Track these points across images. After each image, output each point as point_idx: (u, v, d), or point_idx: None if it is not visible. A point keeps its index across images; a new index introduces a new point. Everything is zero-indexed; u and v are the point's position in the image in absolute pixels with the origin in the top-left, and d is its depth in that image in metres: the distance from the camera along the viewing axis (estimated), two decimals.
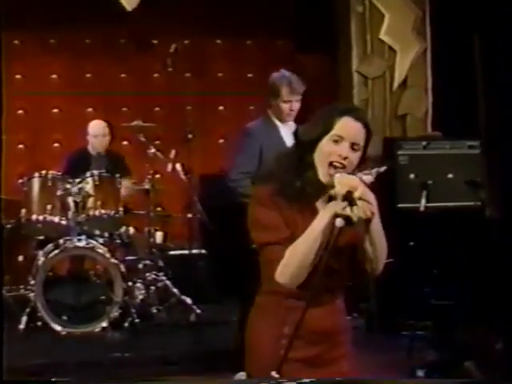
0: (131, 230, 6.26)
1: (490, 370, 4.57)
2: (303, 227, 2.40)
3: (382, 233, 2.45)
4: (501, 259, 5.25)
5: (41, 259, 5.53)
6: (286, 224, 2.43)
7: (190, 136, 6.13)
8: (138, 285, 5.87)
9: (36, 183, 5.69)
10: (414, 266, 5.43)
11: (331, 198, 2.42)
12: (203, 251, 6.67)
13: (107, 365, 4.97)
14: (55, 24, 7.22)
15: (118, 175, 5.84)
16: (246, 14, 7.33)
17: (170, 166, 6.06)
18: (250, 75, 7.89)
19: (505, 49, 5.93)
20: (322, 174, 2.43)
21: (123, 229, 6.07)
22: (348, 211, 2.30)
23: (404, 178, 5.94)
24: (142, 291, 5.84)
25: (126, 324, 5.54)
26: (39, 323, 5.41)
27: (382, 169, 5.19)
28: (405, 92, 6.84)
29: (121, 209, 5.78)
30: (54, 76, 7.61)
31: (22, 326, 5.38)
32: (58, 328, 5.39)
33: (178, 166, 6.06)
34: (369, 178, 5.31)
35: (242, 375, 2.53)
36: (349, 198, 2.30)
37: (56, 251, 5.53)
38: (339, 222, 2.31)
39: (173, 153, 6.08)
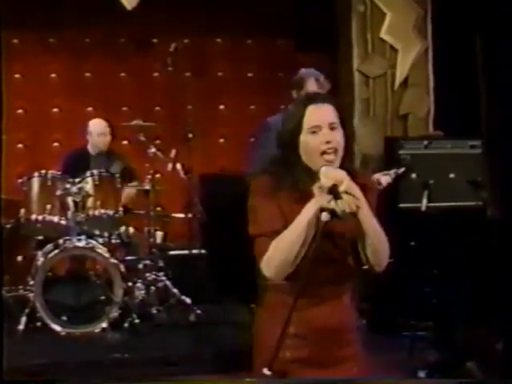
0: (131, 229, 6.24)
1: (492, 370, 4.55)
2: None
3: (376, 227, 2.41)
4: (502, 259, 5.23)
5: (40, 259, 5.51)
6: (283, 216, 2.40)
7: (190, 135, 6.13)
8: (138, 285, 5.85)
9: (35, 183, 5.67)
10: (415, 266, 5.41)
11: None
12: (203, 251, 6.65)
13: (107, 365, 4.95)
14: (55, 23, 7.22)
15: (117, 175, 5.83)
16: (246, 12, 7.32)
17: (170, 166, 6.04)
18: (250, 74, 7.88)
19: (506, 48, 5.91)
20: (317, 166, 2.40)
21: (123, 229, 6.05)
22: (333, 205, 2.28)
23: (405, 178, 5.92)
24: (142, 291, 5.82)
25: (126, 324, 5.52)
26: (39, 324, 5.38)
27: (401, 170, 5.20)
28: (406, 91, 6.82)
29: (121, 209, 5.77)
30: (54, 75, 7.60)
31: (21, 327, 5.35)
32: (57, 328, 5.37)
33: (178, 166, 6.04)
34: (387, 178, 5.30)
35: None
36: (334, 191, 2.28)
37: (55, 251, 5.51)
38: (324, 215, 2.28)
39: (173, 152, 6.06)
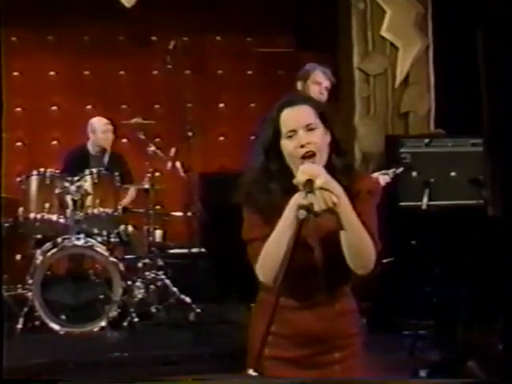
0: (130, 228, 6.22)
1: (493, 369, 4.54)
2: None
3: (356, 225, 2.31)
4: (503, 258, 5.21)
5: (39, 258, 5.50)
6: (267, 222, 2.37)
7: (189, 134, 6.11)
8: (138, 284, 5.83)
9: (34, 181, 5.65)
10: (416, 265, 5.40)
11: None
12: (203, 250, 6.63)
13: (106, 364, 4.93)
14: (53, 21, 7.20)
15: (117, 174, 5.80)
16: (245, 10, 7.31)
17: (169, 164, 6.02)
18: (249, 72, 7.86)
19: (508, 45, 5.88)
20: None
21: (122, 227, 6.03)
22: (309, 201, 2.23)
23: (406, 176, 5.90)
24: (142, 290, 5.80)
25: (125, 323, 5.50)
26: (37, 323, 5.37)
27: (400, 170, 5.18)
28: (407, 89, 6.81)
29: (120, 207, 5.75)
30: (53, 73, 7.57)
31: (19, 326, 5.33)
32: (56, 327, 5.35)
33: (178, 164, 6.03)
34: (385, 177, 5.28)
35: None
36: (307, 186, 2.24)
37: (54, 250, 5.49)
38: (301, 213, 2.23)
39: (173, 151, 6.04)
